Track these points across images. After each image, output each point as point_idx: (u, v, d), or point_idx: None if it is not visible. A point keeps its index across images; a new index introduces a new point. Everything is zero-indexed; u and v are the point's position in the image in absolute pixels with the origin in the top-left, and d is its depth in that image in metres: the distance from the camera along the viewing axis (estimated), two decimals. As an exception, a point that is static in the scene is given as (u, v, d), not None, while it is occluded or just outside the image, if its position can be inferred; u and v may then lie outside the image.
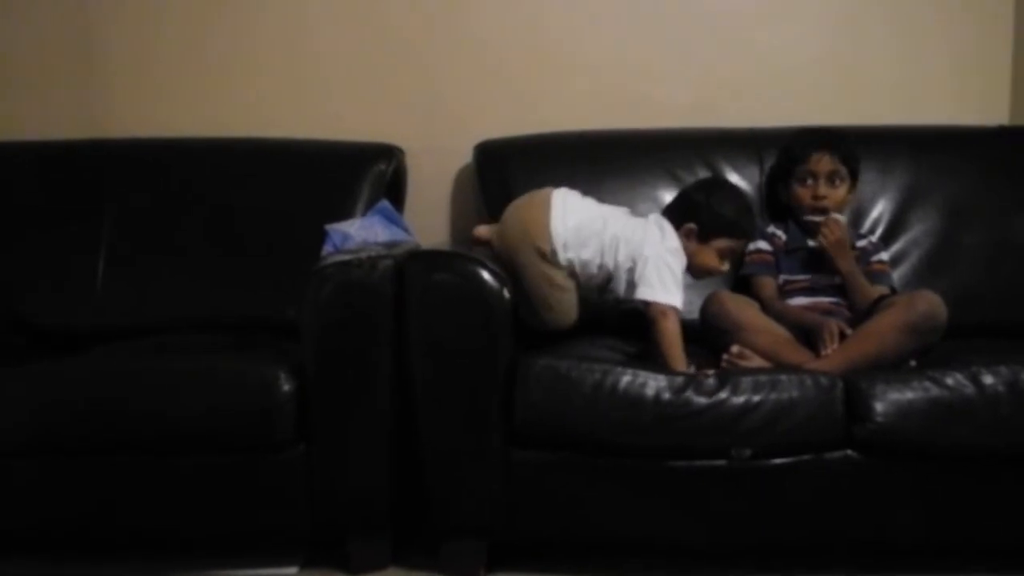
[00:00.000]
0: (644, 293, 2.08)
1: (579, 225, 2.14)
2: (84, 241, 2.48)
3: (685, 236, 2.17)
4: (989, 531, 1.96)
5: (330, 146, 2.60)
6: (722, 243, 2.18)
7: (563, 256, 2.12)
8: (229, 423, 1.91)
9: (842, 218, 2.34)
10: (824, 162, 2.34)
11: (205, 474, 1.95)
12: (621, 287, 2.15)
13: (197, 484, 1.96)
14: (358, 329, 1.91)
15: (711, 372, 1.95)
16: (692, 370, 2.01)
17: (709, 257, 2.18)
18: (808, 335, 2.14)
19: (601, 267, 2.15)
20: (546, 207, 2.14)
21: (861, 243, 2.40)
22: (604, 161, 2.49)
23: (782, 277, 2.36)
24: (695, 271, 2.21)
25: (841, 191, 2.36)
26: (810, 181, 2.36)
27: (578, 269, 2.14)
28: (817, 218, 2.33)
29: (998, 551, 2.00)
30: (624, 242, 2.13)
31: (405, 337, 1.92)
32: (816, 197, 2.34)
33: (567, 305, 2.14)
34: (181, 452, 1.93)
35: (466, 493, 1.95)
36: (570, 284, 2.14)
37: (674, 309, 2.07)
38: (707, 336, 2.16)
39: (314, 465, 1.94)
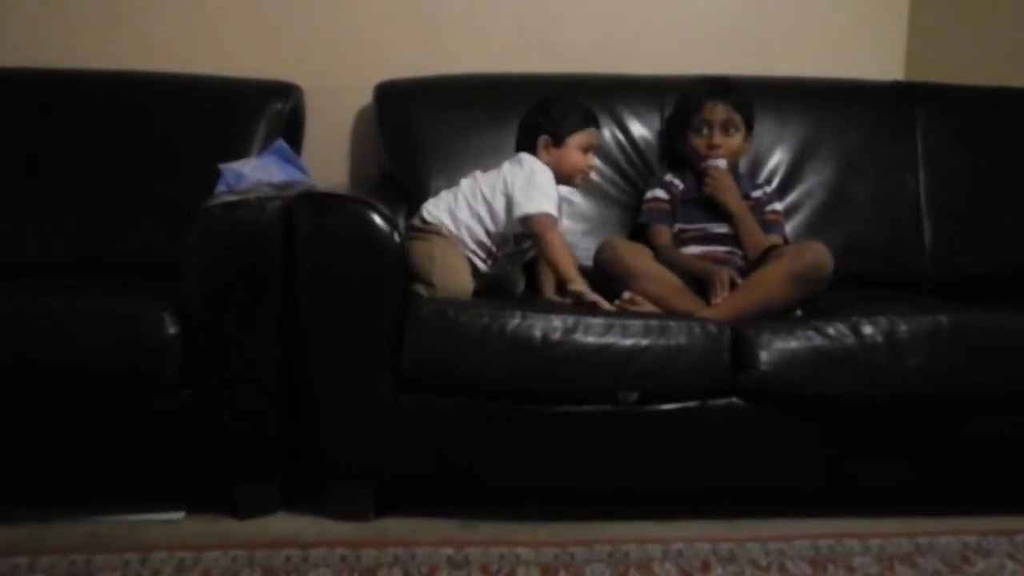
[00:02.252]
0: (517, 211, 2.12)
1: (441, 194, 2.24)
2: (-40, 176, 2.37)
3: (544, 149, 2.20)
4: (868, 476, 2.03)
5: (225, 83, 2.51)
6: (577, 139, 2.20)
7: (429, 215, 2.19)
8: (113, 366, 1.86)
9: (722, 163, 2.35)
10: (719, 111, 2.36)
11: (88, 419, 1.90)
12: (509, 227, 2.16)
13: (80, 429, 1.90)
14: (244, 271, 1.87)
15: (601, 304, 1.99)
16: (586, 283, 2.05)
17: (572, 155, 2.20)
18: (700, 283, 2.17)
19: (472, 212, 2.17)
20: None
21: (756, 193, 2.43)
22: (505, 104, 2.45)
23: (678, 225, 2.38)
24: (568, 178, 2.23)
25: (736, 140, 2.38)
26: (705, 130, 2.37)
27: (452, 226, 2.16)
28: (711, 169, 2.35)
29: (876, 495, 2.07)
30: (484, 182, 2.19)
31: (294, 279, 1.88)
32: (711, 146, 2.36)
33: (448, 264, 2.12)
34: (63, 396, 1.88)
35: (354, 437, 1.94)
36: (443, 241, 2.15)
37: (550, 218, 2.11)
38: (599, 282, 2.17)
39: (200, 409, 1.90)
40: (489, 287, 2.21)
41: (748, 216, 2.33)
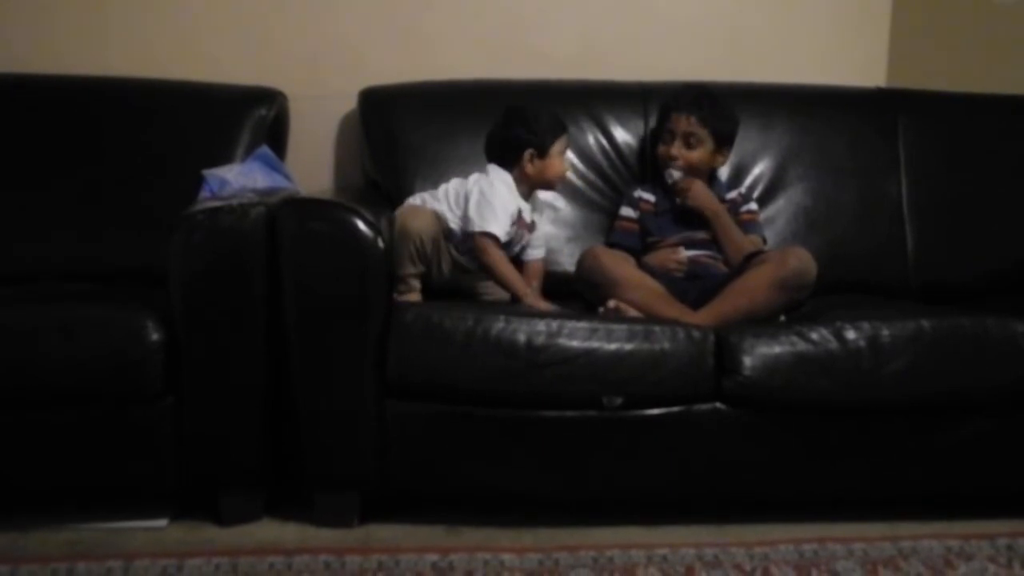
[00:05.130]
0: (467, 226, 2.18)
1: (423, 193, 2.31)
2: (-58, 182, 2.35)
3: (529, 163, 2.23)
4: (851, 480, 2.03)
5: (209, 89, 2.51)
6: (556, 147, 2.25)
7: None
8: (96, 374, 1.85)
9: (675, 174, 2.35)
10: (682, 122, 2.36)
11: (72, 427, 1.89)
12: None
13: (63, 437, 1.89)
14: (228, 277, 1.87)
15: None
16: (531, 292, 2.13)
17: (555, 164, 2.26)
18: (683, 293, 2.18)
19: (440, 207, 2.23)
20: None
21: (731, 195, 2.44)
22: (490, 110, 2.44)
23: (654, 237, 2.38)
24: (551, 184, 2.28)
25: (696, 153, 2.36)
26: (669, 139, 2.38)
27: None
28: (668, 180, 2.36)
29: (860, 499, 2.07)
30: (456, 187, 2.24)
31: (278, 286, 1.88)
32: (670, 156, 2.36)
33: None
34: (46, 404, 1.87)
35: (340, 444, 1.94)
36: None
37: (491, 237, 2.16)
38: (582, 291, 2.18)
39: (184, 417, 1.90)
40: (472, 294, 2.24)
41: (727, 219, 2.34)
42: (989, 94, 2.66)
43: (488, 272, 2.19)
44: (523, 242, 2.28)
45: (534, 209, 2.30)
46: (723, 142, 2.39)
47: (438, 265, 2.19)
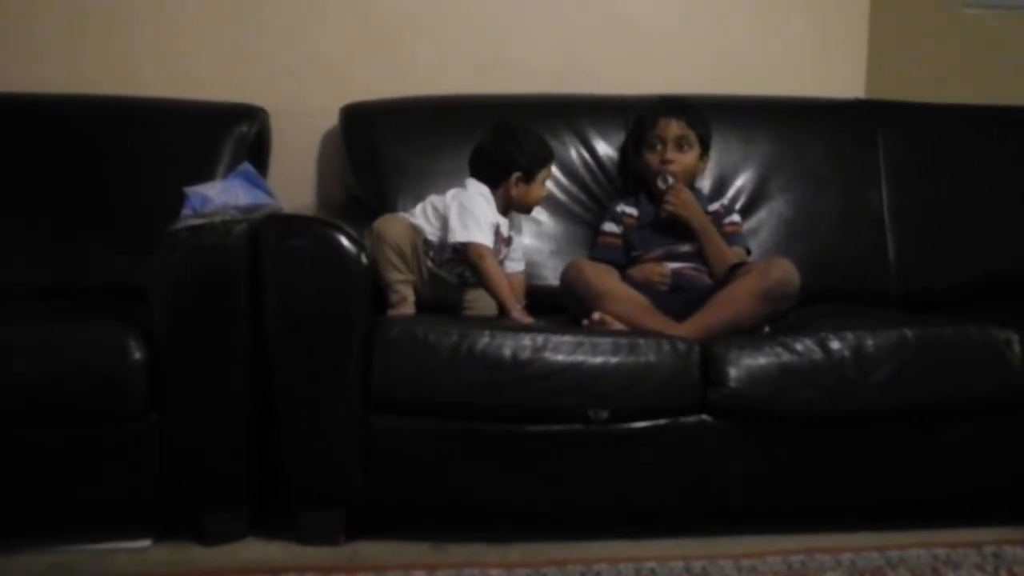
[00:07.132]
0: (450, 237, 2.16)
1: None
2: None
3: (515, 186, 2.25)
4: (838, 490, 2.03)
5: (190, 106, 2.51)
6: (542, 174, 2.28)
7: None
8: (78, 392, 1.84)
9: (669, 178, 2.36)
10: (672, 127, 2.37)
11: (54, 446, 1.87)
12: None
13: (45, 456, 1.87)
14: (211, 295, 1.85)
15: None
16: (519, 307, 2.10)
17: (539, 190, 2.29)
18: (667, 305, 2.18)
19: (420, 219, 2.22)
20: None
21: (714, 207, 2.45)
22: (472, 125, 2.45)
23: (637, 251, 2.38)
24: (530, 208, 2.31)
25: (689, 157, 2.38)
26: (659, 147, 2.38)
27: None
28: (662, 185, 2.36)
29: (846, 509, 2.08)
30: (431, 205, 2.23)
31: (261, 303, 1.87)
32: (664, 161, 2.37)
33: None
34: (27, 423, 1.85)
35: (324, 461, 1.93)
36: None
37: (484, 247, 2.15)
38: (566, 303, 2.18)
39: (167, 435, 1.88)
40: (455, 307, 2.23)
41: (712, 231, 2.34)
42: (966, 104, 2.69)
43: (482, 280, 2.16)
44: (500, 256, 2.26)
45: (512, 224, 2.31)
46: (705, 147, 2.42)
47: (418, 272, 2.16)
